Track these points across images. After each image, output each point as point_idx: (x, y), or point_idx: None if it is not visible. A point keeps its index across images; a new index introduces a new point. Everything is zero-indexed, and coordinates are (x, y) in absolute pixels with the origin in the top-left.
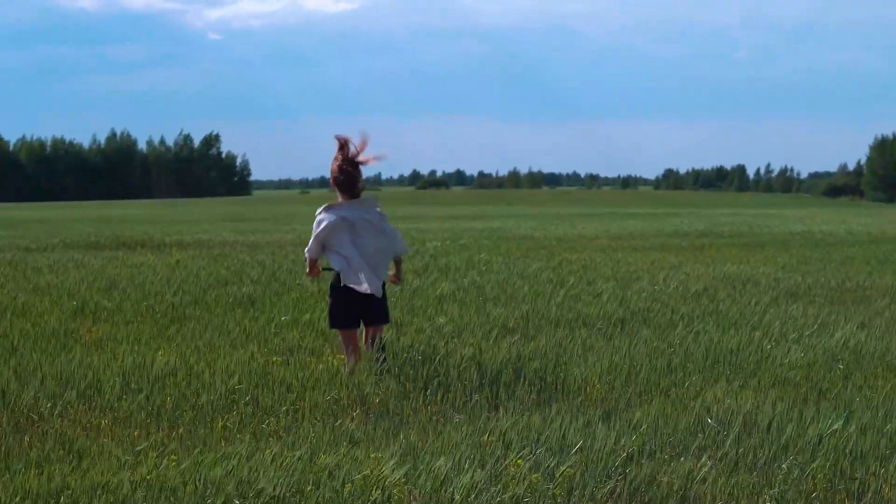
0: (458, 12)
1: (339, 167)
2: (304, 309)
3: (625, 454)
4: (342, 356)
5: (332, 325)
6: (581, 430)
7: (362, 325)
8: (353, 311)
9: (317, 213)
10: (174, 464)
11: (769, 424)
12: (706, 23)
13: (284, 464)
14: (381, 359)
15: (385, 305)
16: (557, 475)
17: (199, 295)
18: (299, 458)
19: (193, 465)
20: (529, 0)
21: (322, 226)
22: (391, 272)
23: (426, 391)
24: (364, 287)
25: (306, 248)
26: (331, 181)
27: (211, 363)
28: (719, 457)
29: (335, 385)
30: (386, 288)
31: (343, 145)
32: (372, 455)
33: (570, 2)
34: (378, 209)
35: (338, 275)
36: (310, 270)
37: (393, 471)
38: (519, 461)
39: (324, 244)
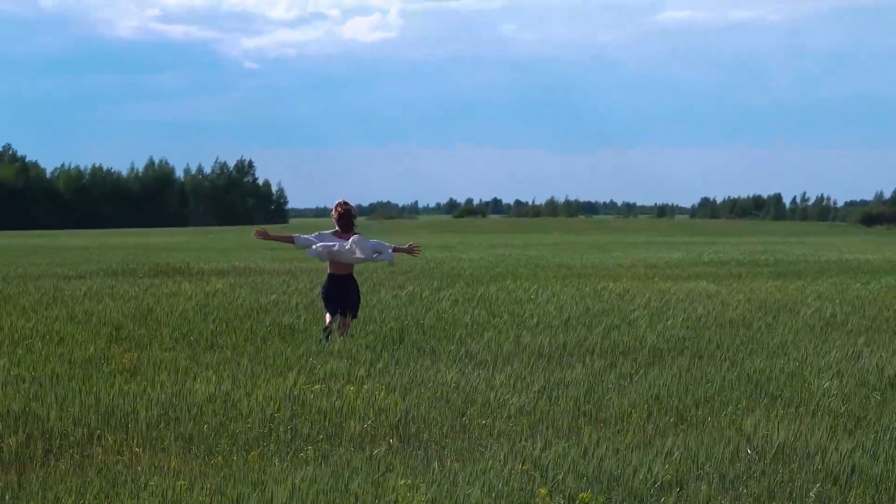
0: (493, 42)
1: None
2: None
3: (659, 483)
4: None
5: (325, 307)
6: (616, 458)
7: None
8: (334, 302)
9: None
10: (208, 492)
11: (805, 453)
12: (742, 51)
13: (315, 490)
14: (343, 338)
15: (356, 303)
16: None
17: (236, 323)
18: (331, 485)
19: (228, 493)
20: (564, 29)
21: (326, 243)
22: (407, 245)
23: (462, 418)
24: (340, 248)
25: (300, 238)
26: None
27: (249, 392)
28: (755, 485)
29: (371, 413)
30: (360, 290)
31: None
32: (402, 482)
33: (605, 30)
34: (354, 237)
35: (328, 276)
36: (267, 233)
37: (423, 497)
38: (542, 490)
39: (314, 254)
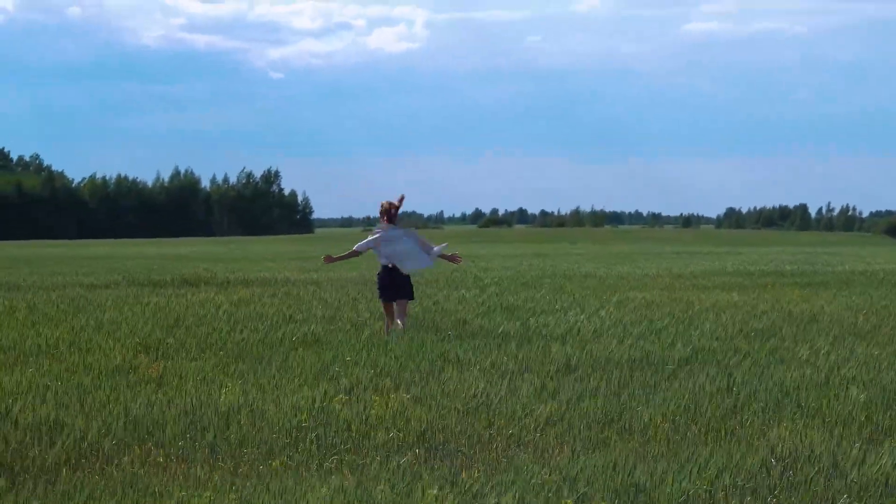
0: (517, 52)
1: (387, 208)
2: (371, 346)
3: (689, 494)
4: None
5: (380, 297)
6: (645, 469)
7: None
8: (389, 291)
9: (373, 229)
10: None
11: (834, 463)
12: (765, 62)
13: (341, 500)
14: (403, 326)
15: (410, 288)
16: None
17: (262, 333)
18: (357, 496)
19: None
20: (589, 40)
21: (374, 236)
22: (449, 254)
23: (489, 428)
24: (390, 264)
25: (357, 244)
26: (380, 213)
27: (276, 400)
28: (783, 497)
29: (398, 423)
30: (411, 278)
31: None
32: (428, 492)
33: (628, 42)
34: (403, 231)
35: (382, 268)
36: (329, 257)
37: None
38: (569, 501)
39: (371, 247)
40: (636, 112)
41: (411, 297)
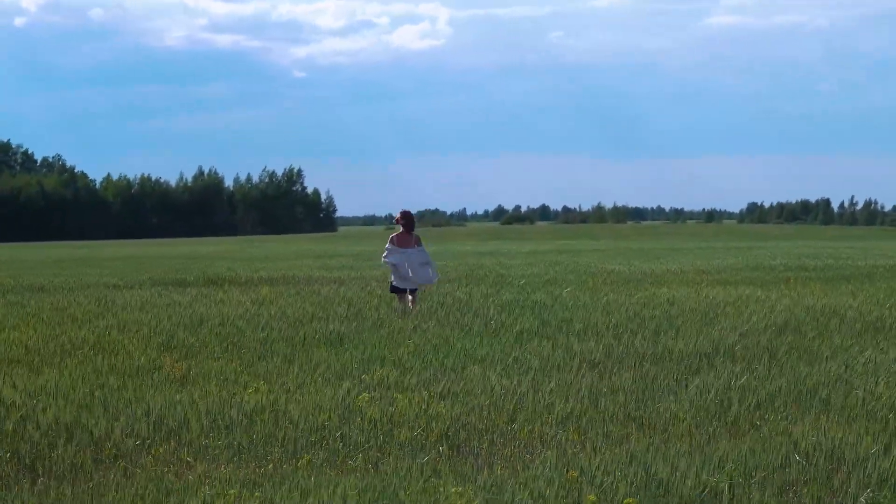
0: (541, 49)
1: (402, 216)
2: (396, 343)
3: (710, 490)
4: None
5: (392, 290)
6: (667, 465)
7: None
8: (401, 288)
9: (390, 238)
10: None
11: (856, 459)
12: (789, 57)
13: (365, 497)
14: (415, 308)
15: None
16: None
17: (286, 331)
18: (381, 493)
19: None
20: (612, 36)
21: (387, 256)
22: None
23: (512, 425)
24: (399, 283)
25: (384, 260)
26: (396, 220)
27: (300, 400)
28: (806, 492)
29: (421, 421)
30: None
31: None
32: (452, 489)
33: (653, 38)
34: (415, 249)
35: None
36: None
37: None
38: (591, 497)
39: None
40: (658, 107)
41: (416, 287)
